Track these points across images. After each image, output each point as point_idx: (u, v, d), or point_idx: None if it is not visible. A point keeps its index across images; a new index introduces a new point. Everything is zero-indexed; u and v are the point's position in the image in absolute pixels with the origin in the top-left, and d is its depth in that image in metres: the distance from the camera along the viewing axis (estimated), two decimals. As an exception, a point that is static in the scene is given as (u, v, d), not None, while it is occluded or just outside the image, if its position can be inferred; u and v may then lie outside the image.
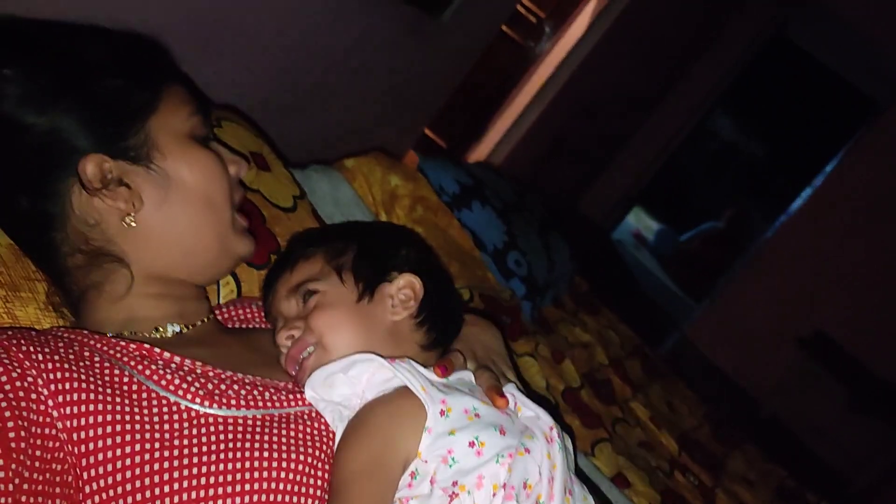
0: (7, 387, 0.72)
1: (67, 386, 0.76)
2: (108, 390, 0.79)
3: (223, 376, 0.88)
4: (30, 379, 0.74)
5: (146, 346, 0.87)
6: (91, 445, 0.75)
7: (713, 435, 2.41)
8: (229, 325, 1.13)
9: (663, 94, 6.50)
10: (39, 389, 0.74)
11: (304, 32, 1.89)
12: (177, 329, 0.95)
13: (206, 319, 1.00)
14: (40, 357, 0.77)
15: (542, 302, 2.21)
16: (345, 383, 0.91)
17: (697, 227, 8.39)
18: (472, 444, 0.85)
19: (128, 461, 0.76)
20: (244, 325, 1.14)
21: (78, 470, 0.75)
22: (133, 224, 0.89)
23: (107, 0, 1.27)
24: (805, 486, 2.52)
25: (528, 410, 0.95)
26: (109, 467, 0.75)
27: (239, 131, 1.44)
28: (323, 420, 0.92)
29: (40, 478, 0.71)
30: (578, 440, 1.76)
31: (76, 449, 0.75)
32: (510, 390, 0.96)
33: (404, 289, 1.02)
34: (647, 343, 2.88)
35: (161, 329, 0.93)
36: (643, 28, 4.69)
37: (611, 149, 6.53)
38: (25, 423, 0.71)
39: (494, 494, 0.82)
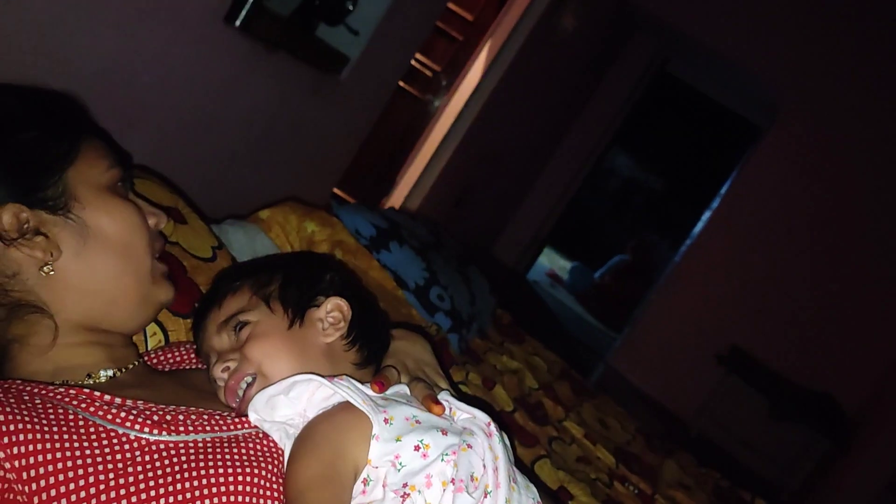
0: None
1: (12, 427, 0.75)
2: (55, 428, 0.78)
3: (166, 409, 0.89)
4: None
5: (85, 389, 0.87)
6: (43, 482, 0.75)
7: (647, 447, 2.48)
8: (161, 369, 1.12)
9: (561, 138, 6.75)
10: None
11: (208, 95, 1.91)
12: (110, 374, 0.95)
13: (136, 363, 1.00)
14: None
15: (469, 334, 2.25)
16: (286, 405, 0.93)
17: (608, 262, 8.65)
18: (417, 448, 0.88)
19: (83, 493, 0.76)
20: (176, 367, 1.14)
21: None
22: (52, 273, 0.89)
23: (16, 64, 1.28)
24: (739, 486, 2.60)
25: (464, 413, 0.99)
26: (65, 502, 0.75)
27: (153, 187, 1.45)
28: (271, 439, 0.93)
29: None
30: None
31: (27, 488, 0.74)
32: (444, 397, 1.00)
33: (332, 312, 1.06)
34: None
35: (94, 375, 0.93)
36: (534, 74, 4.89)
37: (517, 193, 6.71)
38: None
39: (444, 490, 0.86)
